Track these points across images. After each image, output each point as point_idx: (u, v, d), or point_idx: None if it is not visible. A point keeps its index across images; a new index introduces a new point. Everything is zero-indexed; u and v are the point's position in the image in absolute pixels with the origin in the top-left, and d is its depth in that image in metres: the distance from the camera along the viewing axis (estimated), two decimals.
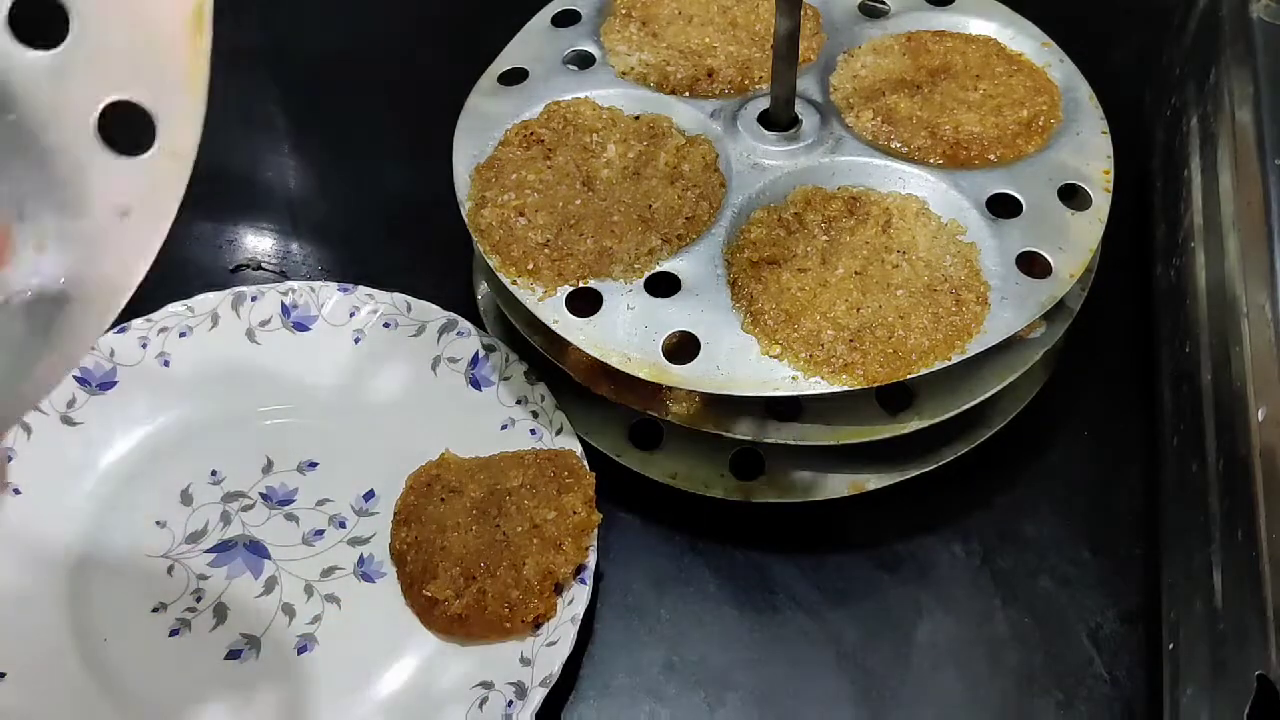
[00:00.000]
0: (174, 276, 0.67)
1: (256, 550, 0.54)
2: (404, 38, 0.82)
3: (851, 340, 0.50)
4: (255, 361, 0.59)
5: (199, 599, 0.52)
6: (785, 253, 0.53)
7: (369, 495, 0.56)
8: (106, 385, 0.57)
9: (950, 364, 0.50)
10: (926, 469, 0.55)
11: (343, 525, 0.55)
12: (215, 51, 0.90)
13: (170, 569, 0.53)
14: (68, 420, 0.56)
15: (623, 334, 0.51)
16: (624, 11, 0.65)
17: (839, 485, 0.55)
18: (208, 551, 0.54)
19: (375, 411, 0.58)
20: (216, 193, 0.71)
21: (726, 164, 0.57)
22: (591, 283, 0.52)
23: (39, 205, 0.31)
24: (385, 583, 0.53)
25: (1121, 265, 0.62)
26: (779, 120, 0.57)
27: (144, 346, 0.58)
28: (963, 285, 0.52)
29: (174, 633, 0.51)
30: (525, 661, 0.49)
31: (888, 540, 0.55)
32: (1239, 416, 0.46)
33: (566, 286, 0.52)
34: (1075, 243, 0.53)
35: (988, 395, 0.53)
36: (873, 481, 0.55)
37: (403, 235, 0.69)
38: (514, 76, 0.62)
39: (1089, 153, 0.57)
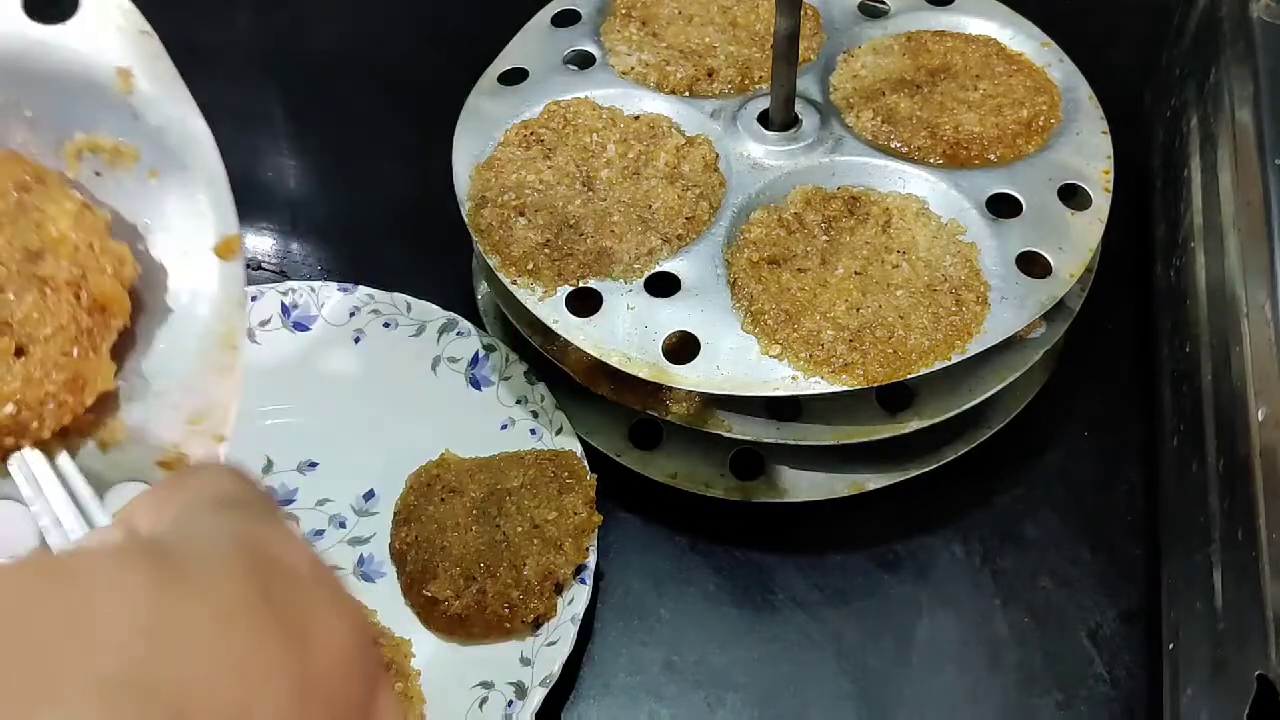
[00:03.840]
0: None
1: None
2: (404, 38, 0.82)
3: (851, 340, 0.50)
4: (255, 361, 0.59)
5: None
6: (785, 253, 0.53)
7: (369, 495, 0.56)
8: None
9: (950, 364, 0.50)
10: (926, 469, 0.55)
11: (343, 525, 0.55)
12: (216, 51, 0.90)
13: None
14: None
15: (623, 334, 0.51)
16: (624, 11, 0.65)
17: (839, 485, 0.55)
18: None
19: (375, 411, 0.58)
20: None
21: (726, 164, 0.57)
22: (591, 283, 0.52)
23: None
24: (385, 583, 0.53)
25: (1121, 265, 0.62)
26: (779, 120, 0.57)
27: None
28: (963, 285, 0.52)
29: None
30: (525, 661, 0.49)
31: (888, 540, 0.55)
32: (1239, 416, 0.46)
33: (566, 286, 0.52)
34: (1075, 243, 0.53)
35: (988, 395, 0.53)
36: (873, 481, 0.55)
37: (403, 235, 0.69)
38: (514, 76, 0.62)
39: (1089, 153, 0.57)
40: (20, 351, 0.27)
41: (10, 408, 0.27)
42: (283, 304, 0.60)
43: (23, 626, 0.20)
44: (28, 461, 0.28)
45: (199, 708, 0.20)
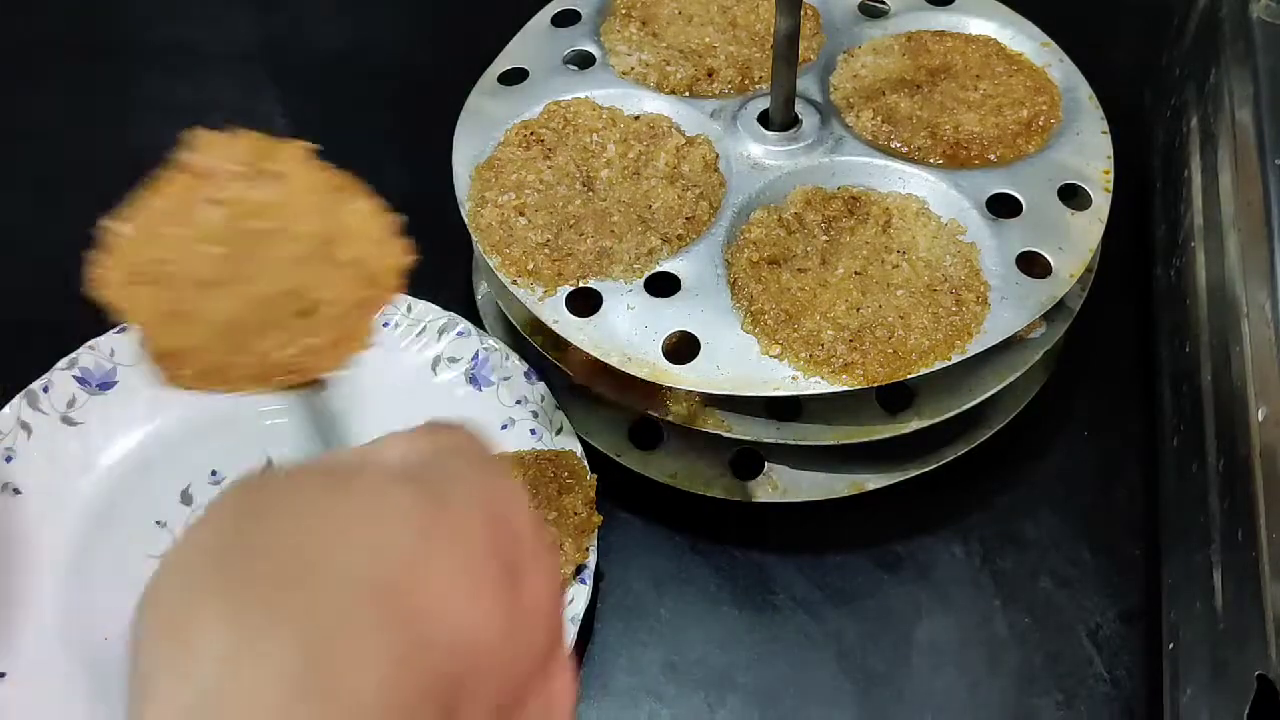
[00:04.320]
0: None
1: None
2: (404, 38, 0.82)
3: (851, 340, 0.50)
4: None
5: None
6: (785, 253, 0.53)
7: None
8: (106, 385, 0.57)
9: (950, 364, 0.50)
10: (926, 469, 0.55)
11: None
12: (216, 51, 0.90)
13: None
14: (68, 420, 0.56)
15: (623, 334, 0.51)
16: (624, 11, 0.65)
17: (839, 485, 0.55)
18: None
19: (375, 411, 0.58)
20: None
21: (726, 164, 0.57)
22: (591, 283, 0.52)
23: None
24: None
25: (1121, 265, 0.62)
26: (779, 120, 0.57)
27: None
28: (963, 285, 0.52)
29: None
30: None
31: (888, 540, 0.55)
32: (1239, 416, 0.46)
33: (566, 286, 0.52)
34: (1075, 243, 0.53)
35: (988, 395, 0.53)
36: (873, 481, 0.55)
37: (403, 235, 0.69)
38: (514, 76, 0.62)
39: (1089, 153, 0.57)
40: (308, 313, 0.34)
41: (294, 350, 0.34)
42: None
43: (309, 527, 0.25)
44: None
45: (435, 625, 0.24)
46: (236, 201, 0.34)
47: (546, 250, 0.53)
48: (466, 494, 0.28)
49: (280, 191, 0.35)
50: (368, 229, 0.37)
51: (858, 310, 0.51)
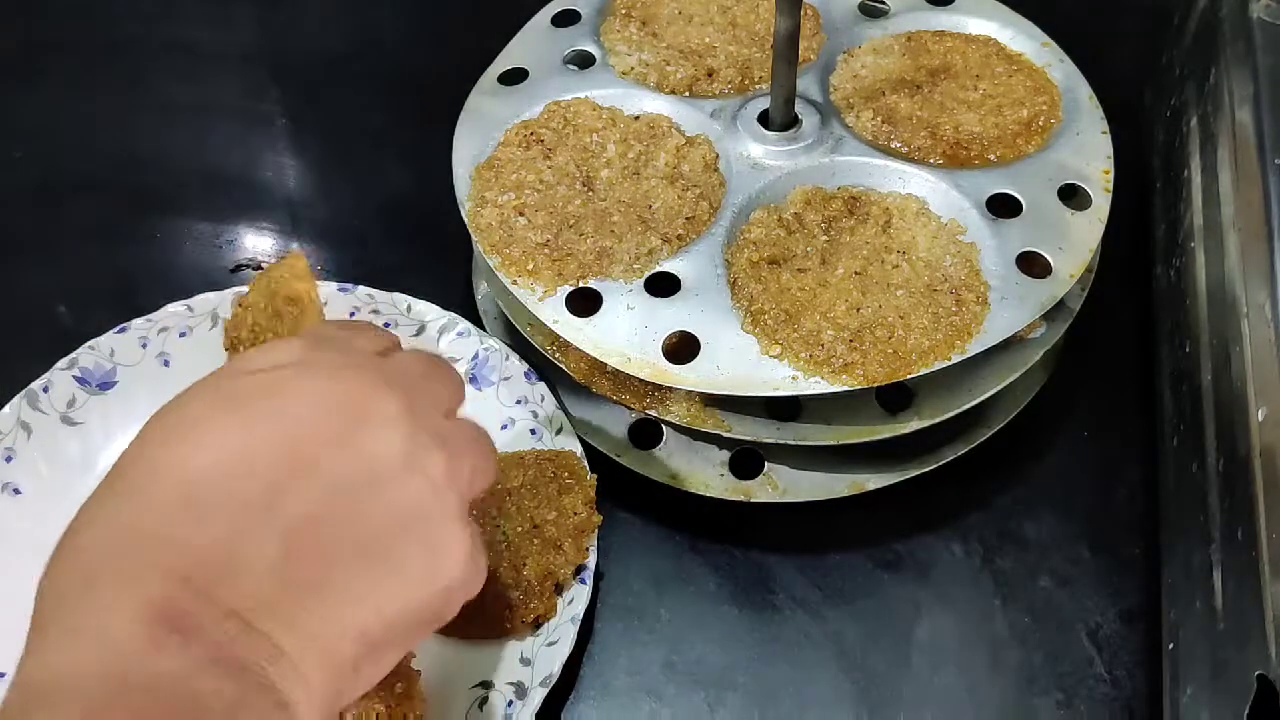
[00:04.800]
0: (174, 276, 0.67)
1: None
2: (404, 38, 0.82)
3: (851, 340, 0.50)
4: None
5: None
6: (785, 253, 0.53)
7: None
8: (106, 385, 0.57)
9: (950, 364, 0.50)
10: (926, 469, 0.55)
11: None
12: (216, 51, 0.90)
13: None
14: (68, 420, 0.56)
15: (623, 334, 0.51)
16: (624, 11, 0.65)
17: (839, 485, 0.55)
18: None
19: None
20: (216, 192, 0.71)
21: (726, 164, 0.57)
22: (591, 283, 0.52)
23: None
24: None
25: (1121, 265, 0.62)
26: (779, 120, 0.57)
27: (144, 346, 0.58)
28: (963, 285, 0.52)
29: None
30: (525, 661, 0.49)
31: (887, 540, 0.55)
32: (1239, 416, 0.46)
33: (566, 286, 0.52)
34: (1075, 243, 0.53)
35: (988, 395, 0.53)
36: (873, 481, 0.55)
37: (403, 235, 0.69)
38: (514, 76, 0.62)
39: (1089, 153, 0.57)
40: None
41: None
42: None
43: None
44: None
45: (195, 450, 0.34)
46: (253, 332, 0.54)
47: (546, 250, 0.53)
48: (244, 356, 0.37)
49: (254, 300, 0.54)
50: (287, 268, 0.53)
51: (858, 310, 0.51)
